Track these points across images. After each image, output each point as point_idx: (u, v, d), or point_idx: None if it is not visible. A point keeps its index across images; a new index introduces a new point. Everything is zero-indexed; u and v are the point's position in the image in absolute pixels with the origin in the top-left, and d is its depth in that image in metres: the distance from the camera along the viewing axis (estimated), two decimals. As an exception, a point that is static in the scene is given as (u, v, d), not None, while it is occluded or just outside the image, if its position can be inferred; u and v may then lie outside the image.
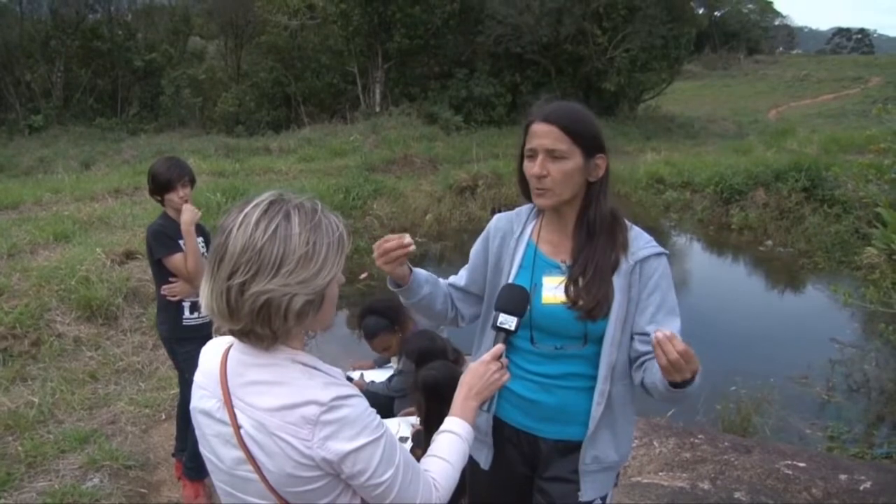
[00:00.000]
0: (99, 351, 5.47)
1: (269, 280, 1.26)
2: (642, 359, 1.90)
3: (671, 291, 1.96)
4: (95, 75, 23.64)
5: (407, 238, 1.85)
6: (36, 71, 22.87)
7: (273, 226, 1.27)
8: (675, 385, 1.69)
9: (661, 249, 1.98)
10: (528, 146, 1.93)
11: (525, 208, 2.13)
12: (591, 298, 1.89)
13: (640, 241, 1.97)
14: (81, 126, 21.24)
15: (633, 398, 2.06)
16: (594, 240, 1.95)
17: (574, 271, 1.94)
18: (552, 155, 1.88)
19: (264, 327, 1.31)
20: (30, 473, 3.93)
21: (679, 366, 1.60)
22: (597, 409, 1.97)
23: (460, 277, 2.21)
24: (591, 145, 1.90)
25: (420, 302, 2.07)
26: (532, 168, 1.91)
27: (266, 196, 1.33)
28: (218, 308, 1.32)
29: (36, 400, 4.64)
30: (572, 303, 1.91)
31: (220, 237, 1.30)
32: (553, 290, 1.96)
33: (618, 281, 1.92)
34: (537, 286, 1.98)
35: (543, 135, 1.88)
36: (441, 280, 2.18)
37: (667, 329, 1.81)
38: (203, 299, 1.34)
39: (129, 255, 6.91)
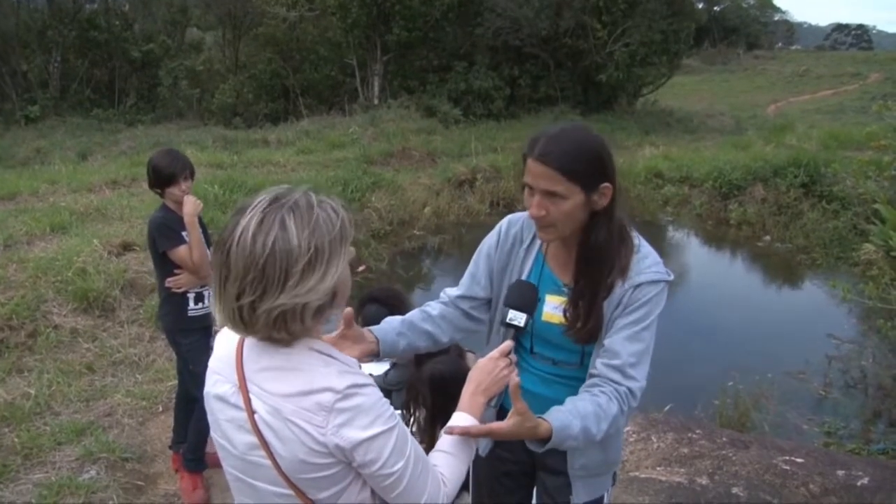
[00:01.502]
0: (96, 343, 5.44)
1: (277, 296, 1.26)
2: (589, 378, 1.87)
3: (650, 317, 1.85)
4: (92, 66, 23.52)
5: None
6: (32, 61, 22.76)
7: (271, 239, 1.25)
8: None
9: (661, 277, 1.87)
10: (524, 180, 1.82)
11: None
12: (584, 328, 1.87)
13: (642, 265, 1.87)
14: (78, 117, 21.13)
15: None
16: (593, 266, 1.86)
17: (572, 297, 1.90)
18: (549, 195, 1.76)
19: (281, 332, 1.32)
20: (26, 465, 3.92)
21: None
22: None
23: (468, 287, 2.13)
24: (590, 181, 1.77)
25: (404, 353, 2.08)
26: (530, 207, 1.80)
27: (260, 202, 1.31)
28: (234, 325, 1.33)
29: (32, 391, 4.63)
30: (568, 328, 1.90)
31: (221, 254, 1.29)
32: (553, 309, 1.95)
33: (607, 305, 1.87)
34: (540, 302, 1.95)
35: (538, 175, 1.75)
36: (422, 312, 2.12)
37: (620, 349, 1.80)
38: (216, 315, 1.35)
39: (127, 247, 6.87)
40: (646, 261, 1.88)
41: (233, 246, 1.27)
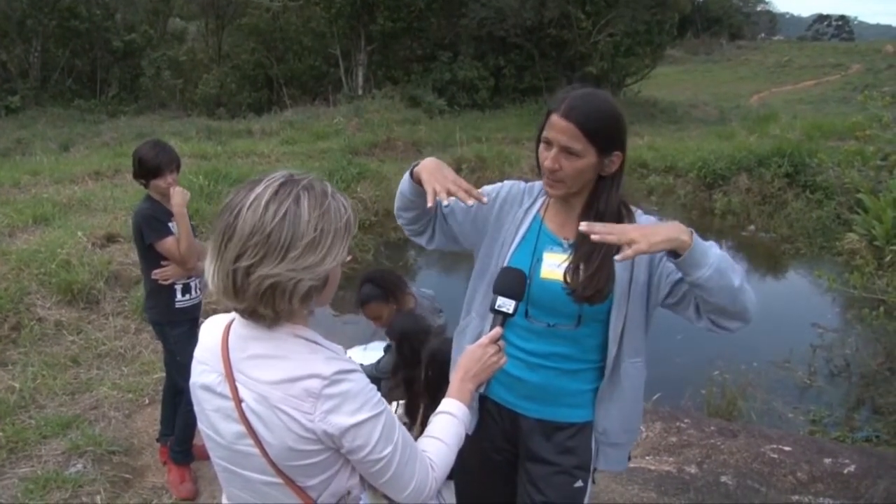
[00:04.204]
0: (80, 335, 5.40)
1: (275, 265, 1.26)
2: (689, 297, 1.88)
3: None
4: (73, 56, 23.22)
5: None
6: (12, 51, 22.42)
7: (283, 210, 1.27)
8: (674, 256, 1.71)
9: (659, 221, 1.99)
10: (545, 134, 1.90)
11: (539, 183, 2.11)
12: (591, 287, 1.88)
13: (640, 220, 1.98)
14: (59, 107, 20.86)
15: (643, 381, 2.08)
16: None
17: (577, 257, 1.92)
18: (567, 151, 1.85)
19: (267, 308, 1.32)
20: (11, 459, 3.88)
21: (615, 232, 1.65)
22: (606, 381, 2.02)
23: (451, 211, 2.16)
24: (607, 145, 1.87)
25: (413, 204, 2.05)
26: (545, 160, 1.89)
27: (277, 176, 1.33)
28: (223, 287, 1.32)
29: (17, 385, 4.59)
30: (572, 290, 1.90)
31: (229, 216, 1.30)
32: (554, 267, 1.96)
33: (620, 262, 1.90)
34: (538, 261, 1.98)
35: (560, 130, 1.84)
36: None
37: None
38: (208, 277, 1.34)
39: (111, 238, 6.82)
40: (641, 218, 2.00)
41: (243, 209, 1.28)
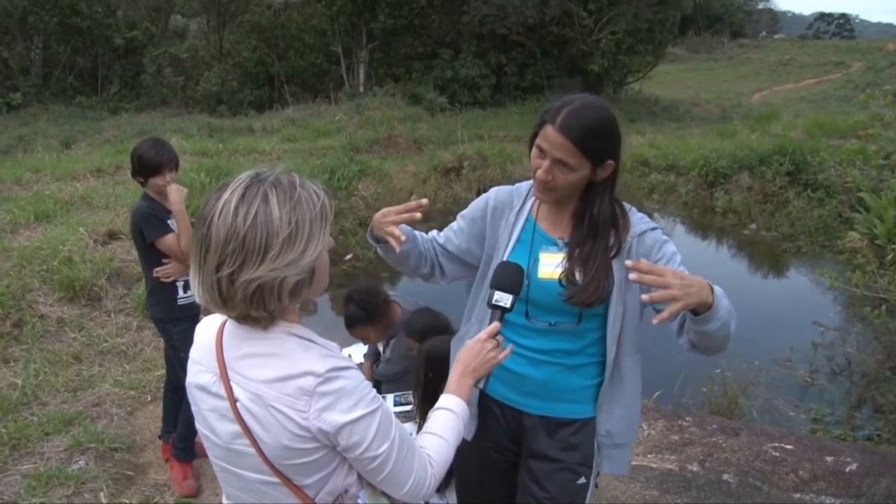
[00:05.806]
0: (82, 332, 5.40)
1: (256, 267, 1.26)
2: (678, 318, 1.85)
3: (677, 254, 1.93)
4: (75, 53, 23.19)
5: (423, 200, 1.92)
6: (14, 48, 22.40)
7: (252, 211, 1.25)
8: (695, 313, 1.67)
9: (653, 224, 1.99)
10: (539, 142, 1.87)
11: (526, 184, 2.12)
12: (590, 294, 1.89)
13: (634, 219, 1.98)
14: (61, 104, 20.87)
15: (640, 376, 2.08)
16: (596, 236, 1.93)
17: (573, 261, 1.93)
18: (560, 164, 1.84)
19: (259, 310, 1.31)
20: (14, 456, 3.89)
21: (655, 283, 1.59)
22: (607, 382, 2.02)
23: (447, 239, 2.19)
24: (601, 157, 1.86)
25: (393, 258, 2.09)
26: (538, 169, 1.88)
27: (242, 178, 1.31)
28: (211, 299, 1.32)
29: (19, 382, 4.59)
30: (569, 297, 1.90)
31: (202, 228, 1.29)
32: (551, 267, 1.96)
33: (616, 261, 1.93)
34: (535, 261, 1.99)
35: (555, 145, 1.82)
36: (421, 236, 2.17)
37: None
38: (194, 290, 1.34)
39: (113, 235, 6.82)
40: (634, 216, 1.99)
41: (214, 218, 1.27)
